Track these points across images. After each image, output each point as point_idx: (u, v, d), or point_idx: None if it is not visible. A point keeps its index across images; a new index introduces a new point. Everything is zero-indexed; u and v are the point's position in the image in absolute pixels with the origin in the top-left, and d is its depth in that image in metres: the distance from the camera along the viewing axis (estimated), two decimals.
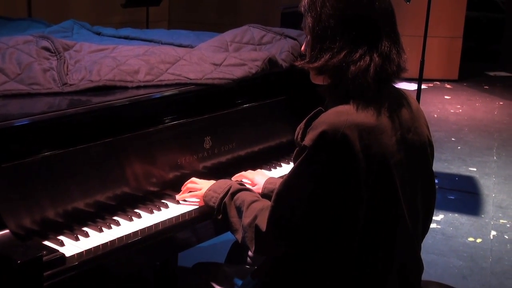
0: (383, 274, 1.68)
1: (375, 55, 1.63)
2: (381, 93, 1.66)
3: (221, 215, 1.87)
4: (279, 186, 1.66)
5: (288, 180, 1.64)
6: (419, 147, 1.73)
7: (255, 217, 1.72)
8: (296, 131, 1.74)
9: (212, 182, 2.01)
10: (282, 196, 1.65)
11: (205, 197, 1.94)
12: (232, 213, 1.83)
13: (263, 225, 1.67)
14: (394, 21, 1.69)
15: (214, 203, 1.89)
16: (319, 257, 1.67)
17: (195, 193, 2.00)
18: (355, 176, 1.57)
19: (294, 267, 1.73)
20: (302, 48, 1.79)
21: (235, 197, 1.85)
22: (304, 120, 1.74)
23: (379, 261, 1.66)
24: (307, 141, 1.59)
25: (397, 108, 1.70)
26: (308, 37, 1.72)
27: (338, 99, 1.65)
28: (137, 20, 6.78)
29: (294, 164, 1.64)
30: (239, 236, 1.79)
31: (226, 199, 1.86)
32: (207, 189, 1.94)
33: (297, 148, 1.65)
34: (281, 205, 1.65)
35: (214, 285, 1.99)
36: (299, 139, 1.70)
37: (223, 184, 1.93)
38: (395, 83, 1.74)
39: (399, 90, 1.78)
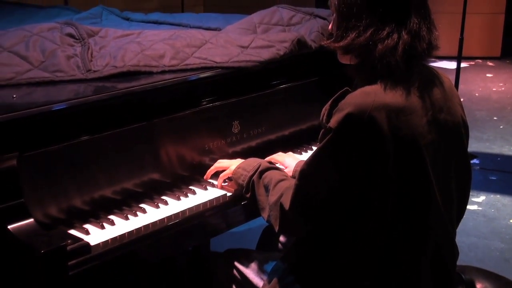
0: (416, 260, 1.62)
1: (403, 32, 1.57)
2: (411, 72, 1.60)
3: (249, 193, 1.84)
4: (303, 166, 1.61)
5: (312, 161, 1.59)
6: (452, 128, 1.66)
7: (281, 196, 1.68)
8: (322, 112, 1.69)
9: (239, 160, 1.98)
10: (306, 176, 1.61)
11: (234, 175, 1.91)
12: (260, 191, 1.80)
13: (287, 204, 1.64)
14: None
15: (243, 181, 1.87)
16: (347, 240, 1.62)
17: (225, 172, 1.97)
18: (383, 159, 1.51)
19: (323, 249, 1.68)
20: (330, 27, 1.73)
21: (264, 176, 1.81)
22: (330, 101, 1.69)
23: (411, 246, 1.60)
24: (333, 123, 1.53)
25: (428, 88, 1.63)
26: (334, 15, 1.66)
27: (366, 79, 1.60)
28: (172, 5, 6.75)
29: (319, 145, 1.59)
30: (265, 215, 1.76)
31: (254, 177, 1.83)
32: (236, 167, 1.92)
33: (322, 130, 1.60)
34: (304, 185, 1.61)
35: (244, 271, 1.96)
36: (324, 121, 1.65)
37: (253, 162, 1.91)
38: (427, 61, 1.67)
39: (431, 68, 1.71)
